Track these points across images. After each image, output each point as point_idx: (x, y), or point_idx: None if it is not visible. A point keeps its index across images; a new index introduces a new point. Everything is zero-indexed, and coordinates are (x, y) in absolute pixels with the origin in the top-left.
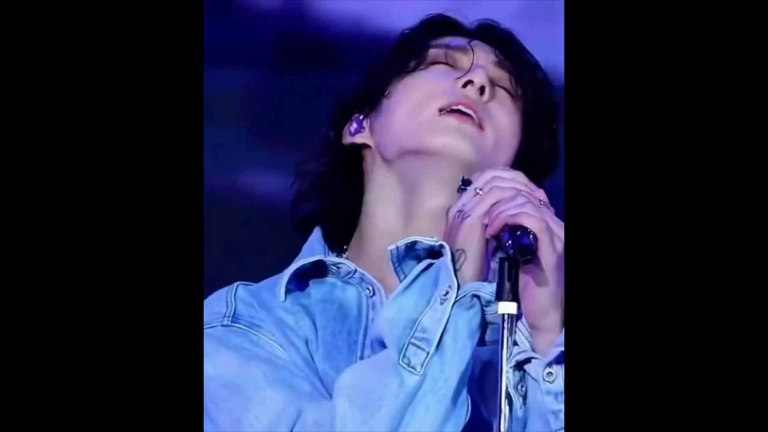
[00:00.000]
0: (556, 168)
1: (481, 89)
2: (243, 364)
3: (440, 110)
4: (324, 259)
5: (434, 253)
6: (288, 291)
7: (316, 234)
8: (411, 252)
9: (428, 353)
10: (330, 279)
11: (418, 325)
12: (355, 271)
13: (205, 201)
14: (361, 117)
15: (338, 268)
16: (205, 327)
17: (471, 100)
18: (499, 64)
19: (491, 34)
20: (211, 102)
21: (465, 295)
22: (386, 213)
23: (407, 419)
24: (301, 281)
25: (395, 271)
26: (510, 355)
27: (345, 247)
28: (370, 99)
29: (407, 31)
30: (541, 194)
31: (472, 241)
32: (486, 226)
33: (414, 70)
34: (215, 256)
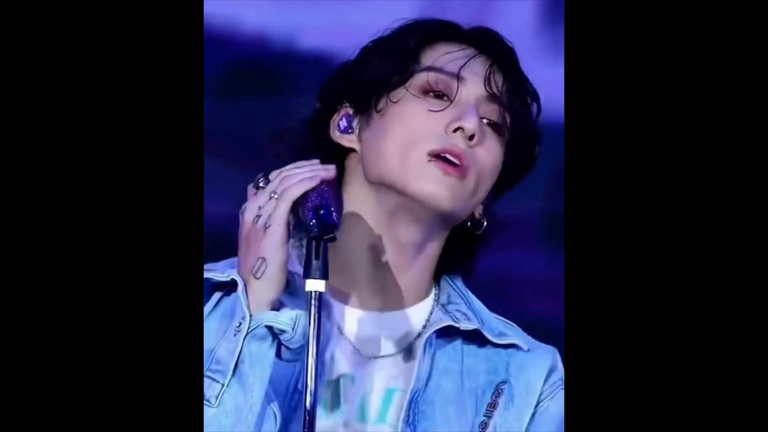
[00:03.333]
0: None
1: (471, 137)
2: None
3: (429, 154)
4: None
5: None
6: None
7: None
8: (213, 288)
9: (223, 385)
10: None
11: (213, 356)
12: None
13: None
14: (351, 113)
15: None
16: None
17: (459, 149)
18: (492, 98)
19: (489, 44)
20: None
21: (258, 326)
22: (360, 229)
23: None
24: None
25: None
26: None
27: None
28: (360, 99)
29: (401, 26)
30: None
31: (272, 248)
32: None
33: (399, 85)
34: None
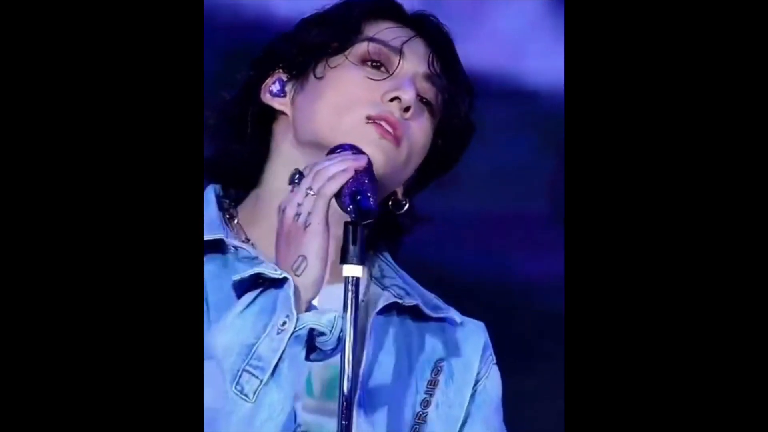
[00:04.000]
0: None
1: (406, 109)
2: None
3: (368, 118)
4: (225, 239)
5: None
6: None
7: (211, 196)
8: (255, 282)
9: (261, 381)
10: (223, 255)
11: (254, 352)
12: (256, 258)
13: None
14: (285, 79)
15: (237, 250)
16: None
17: (394, 118)
18: (429, 77)
19: (429, 30)
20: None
21: (303, 327)
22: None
23: None
24: None
25: (237, 297)
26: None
27: (235, 205)
28: (297, 64)
29: (343, 1)
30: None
31: (313, 246)
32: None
33: (339, 52)
34: None
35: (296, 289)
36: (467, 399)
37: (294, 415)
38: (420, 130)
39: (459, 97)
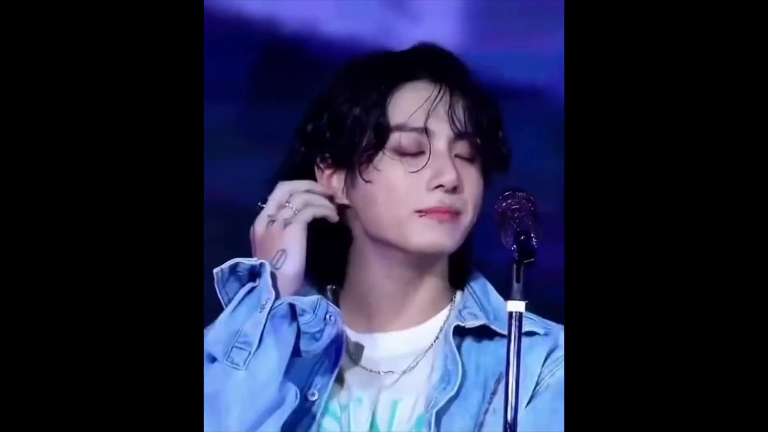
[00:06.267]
0: None
1: (454, 188)
2: None
3: (418, 212)
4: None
5: (255, 274)
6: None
7: None
8: (233, 274)
9: (250, 352)
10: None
11: (241, 332)
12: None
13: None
14: (335, 168)
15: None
16: None
17: (445, 204)
18: (459, 136)
19: (437, 69)
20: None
21: (281, 304)
22: (368, 275)
23: (245, 410)
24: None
25: (219, 293)
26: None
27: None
28: (343, 158)
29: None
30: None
31: (292, 240)
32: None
33: (378, 151)
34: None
35: (274, 275)
36: (524, 404)
37: (294, 392)
38: (472, 187)
39: (489, 119)
